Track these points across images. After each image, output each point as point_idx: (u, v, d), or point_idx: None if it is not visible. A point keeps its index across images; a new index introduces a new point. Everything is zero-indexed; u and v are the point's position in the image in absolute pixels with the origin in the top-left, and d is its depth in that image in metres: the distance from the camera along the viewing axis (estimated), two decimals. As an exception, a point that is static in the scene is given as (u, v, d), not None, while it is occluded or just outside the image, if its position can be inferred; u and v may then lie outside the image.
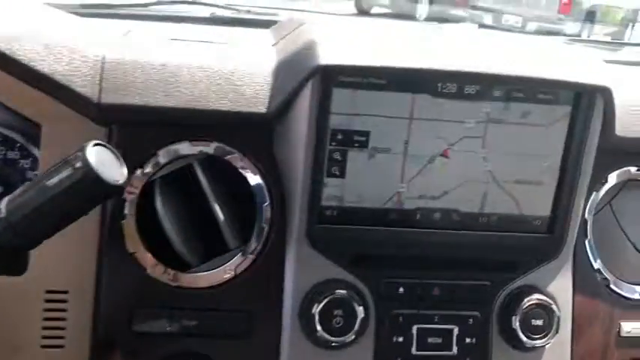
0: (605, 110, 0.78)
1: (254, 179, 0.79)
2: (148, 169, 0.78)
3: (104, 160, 0.61)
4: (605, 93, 0.76)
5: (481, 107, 0.76)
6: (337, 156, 0.76)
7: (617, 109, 0.80)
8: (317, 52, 0.71)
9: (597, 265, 0.87)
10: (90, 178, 0.58)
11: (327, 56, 0.71)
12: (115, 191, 0.64)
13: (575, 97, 0.78)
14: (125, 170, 0.65)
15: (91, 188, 0.60)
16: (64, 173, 0.59)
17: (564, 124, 0.79)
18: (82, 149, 0.59)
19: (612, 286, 0.88)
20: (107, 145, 0.64)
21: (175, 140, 0.78)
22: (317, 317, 0.76)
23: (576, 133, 0.79)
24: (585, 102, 0.77)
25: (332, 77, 0.72)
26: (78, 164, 0.58)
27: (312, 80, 0.71)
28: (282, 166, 0.79)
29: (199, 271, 0.79)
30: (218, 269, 0.79)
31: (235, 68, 0.75)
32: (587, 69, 0.77)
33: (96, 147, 0.61)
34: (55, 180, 0.59)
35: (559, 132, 0.79)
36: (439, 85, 0.75)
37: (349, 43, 0.73)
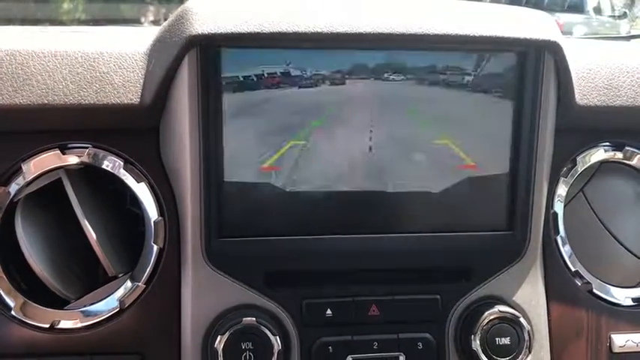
0: (559, 71, 0.65)
1: (140, 190, 0.65)
2: (12, 187, 0.64)
3: None
4: (555, 49, 0.63)
5: (406, 82, 0.63)
6: None
7: (575, 74, 0.67)
8: (190, 21, 0.58)
9: (575, 266, 0.72)
10: None
11: (205, 23, 0.58)
12: None
13: (519, 58, 0.64)
14: None
15: None
16: None
17: (510, 93, 0.65)
18: None
19: (596, 291, 0.72)
20: None
21: (44, 150, 0.64)
22: (220, 354, 0.61)
23: (525, 105, 0.65)
24: (532, 62, 0.64)
25: (215, 50, 0.59)
26: None
27: (189, 56, 0.58)
28: (171, 173, 0.65)
29: (77, 307, 0.64)
30: (100, 303, 0.64)
31: (100, 52, 0.62)
32: (530, 24, 0.64)
33: None
34: None
35: (504, 103, 0.65)
36: (355, 54, 0.62)
37: (234, 8, 0.60)
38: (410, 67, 0.63)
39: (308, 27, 0.58)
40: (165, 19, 0.64)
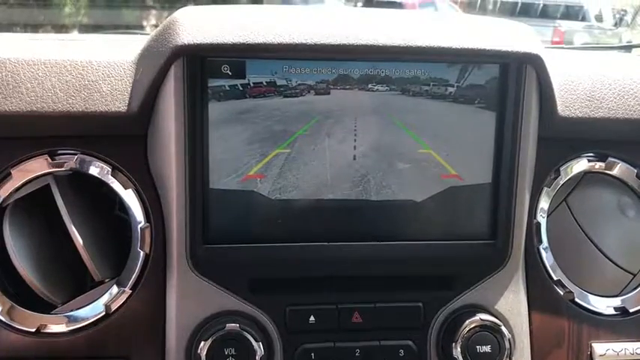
0: (541, 83, 0.66)
1: (127, 196, 0.66)
2: (2, 193, 0.65)
3: None
4: (537, 62, 0.64)
5: (388, 95, 0.64)
6: None
7: (557, 85, 0.68)
8: (177, 31, 0.59)
9: (557, 275, 0.72)
10: None
11: (191, 34, 0.59)
12: None
13: (502, 70, 0.65)
14: None
15: None
16: None
17: (492, 104, 0.66)
18: None
19: (578, 300, 0.73)
20: None
21: (32, 156, 0.66)
22: (204, 359, 0.61)
23: (508, 116, 0.66)
24: (513, 75, 0.65)
25: (201, 61, 0.60)
26: None
27: (175, 66, 0.60)
28: (158, 180, 0.66)
29: (64, 312, 0.65)
30: (86, 307, 0.65)
31: (88, 61, 0.63)
32: (512, 37, 0.65)
33: None
34: None
35: (487, 116, 0.66)
36: (339, 67, 0.63)
37: (222, 18, 0.61)
38: (394, 78, 0.64)
39: (292, 38, 0.59)
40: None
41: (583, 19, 7.33)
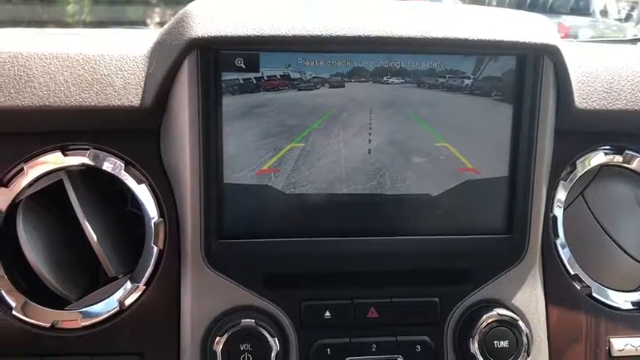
0: (558, 75, 0.65)
1: (140, 192, 0.66)
2: (15, 188, 0.65)
3: None
4: (554, 53, 0.63)
5: (407, 86, 0.63)
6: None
7: (574, 77, 0.67)
8: (190, 24, 0.59)
9: (574, 270, 0.72)
10: None
11: (204, 27, 0.58)
12: None
13: (519, 62, 0.64)
14: None
15: None
16: None
17: (508, 97, 0.65)
18: None
19: (595, 295, 0.72)
20: None
21: (45, 152, 0.65)
22: (219, 356, 0.61)
23: (525, 108, 0.65)
24: (531, 67, 0.64)
25: (215, 54, 0.59)
26: None
27: (189, 59, 0.59)
28: (172, 174, 0.66)
29: (78, 308, 0.65)
30: (100, 303, 0.65)
31: (101, 54, 0.63)
32: (529, 28, 0.64)
33: None
34: None
35: (504, 107, 0.65)
36: (355, 59, 0.62)
37: (236, 11, 0.61)
38: (409, 71, 0.63)
39: (306, 30, 0.59)
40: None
41: (588, 14, 7.30)
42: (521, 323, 0.65)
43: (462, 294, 0.67)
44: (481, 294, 0.67)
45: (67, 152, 0.66)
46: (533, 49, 0.63)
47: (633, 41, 1.53)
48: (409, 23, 0.61)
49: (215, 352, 0.61)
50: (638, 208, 0.76)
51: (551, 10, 6.75)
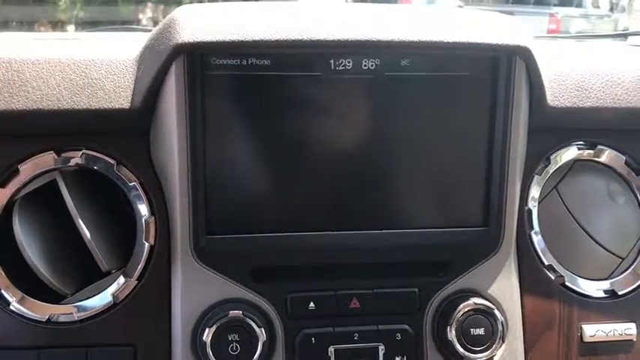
0: (530, 75, 0.68)
1: (132, 190, 0.69)
2: (9, 189, 0.67)
3: None
4: (526, 54, 0.66)
5: (383, 85, 0.66)
6: (222, 154, 0.65)
7: (546, 77, 0.70)
8: (177, 30, 0.61)
9: (548, 260, 0.75)
10: None
11: (190, 33, 0.61)
12: None
13: (493, 63, 0.67)
14: None
15: None
16: None
17: (485, 97, 0.68)
18: None
19: (568, 284, 0.75)
20: None
21: (39, 152, 0.68)
22: (208, 346, 0.64)
23: (499, 107, 0.68)
24: (504, 67, 0.67)
25: (200, 59, 0.62)
26: None
27: (175, 64, 0.62)
28: (161, 173, 0.68)
29: (73, 302, 0.68)
30: (94, 297, 0.68)
31: (91, 59, 0.65)
32: (501, 30, 0.67)
33: None
34: None
35: (479, 106, 0.68)
36: (332, 61, 0.65)
37: (219, 17, 0.63)
38: (387, 70, 0.65)
39: (285, 35, 0.61)
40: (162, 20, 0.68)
41: (579, 5, 7.32)
42: (496, 312, 0.69)
43: (440, 284, 0.70)
44: (458, 284, 0.70)
45: (60, 153, 0.68)
46: (506, 50, 0.66)
47: (623, 35, 1.55)
48: (384, 27, 0.63)
49: (205, 343, 0.64)
50: (610, 201, 0.79)
51: (540, 2, 6.78)
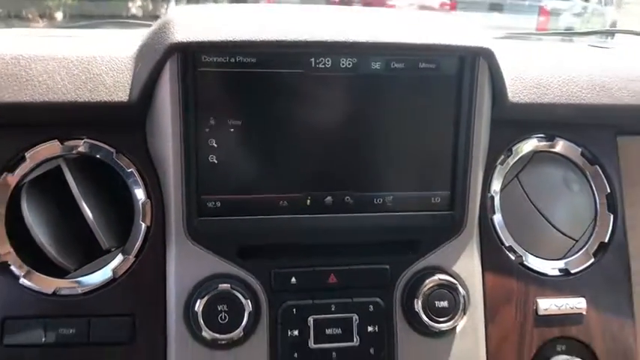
0: (492, 74, 0.75)
1: (130, 176, 0.75)
2: (17, 174, 0.74)
3: None
4: (488, 55, 0.73)
5: (360, 81, 0.73)
6: (212, 142, 0.72)
7: (508, 75, 0.77)
8: (171, 30, 0.68)
9: (508, 242, 0.83)
10: None
11: (183, 33, 0.67)
12: None
13: (459, 63, 0.74)
14: None
15: None
16: None
17: (451, 93, 0.75)
18: None
19: (526, 263, 0.83)
20: None
21: (45, 140, 0.74)
22: (200, 315, 0.71)
23: (464, 102, 0.75)
24: (469, 67, 0.74)
25: (192, 57, 0.69)
26: None
27: (170, 61, 0.68)
28: (157, 160, 0.75)
29: (76, 276, 0.74)
30: (95, 273, 0.75)
31: (93, 56, 0.72)
32: (466, 33, 0.74)
33: None
34: None
35: (447, 102, 0.75)
36: (312, 60, 0.71)
37: (210, 18, 0.70)
38: (361, 67, 0.72)
39: (271, 36, 0.68)
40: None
41: (568, -2, 7.40)
42: (459, 286, 0.76)
43: (408, 262, 0.77)
44: (425, 262, 0.78)
45: (64, 142, 0.75)
46: (470, 52, 0.73)
47: (609, 33, 1.59)
48: (357, 30, 0.70)
49: (197, 312, 0.71)
50: (566, 189, 0.87)
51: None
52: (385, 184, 0.76)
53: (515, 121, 0.83)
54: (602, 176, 0.87)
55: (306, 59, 0.71)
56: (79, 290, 0.74)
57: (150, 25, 0.75)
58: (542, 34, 1.27)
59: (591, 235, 0.86)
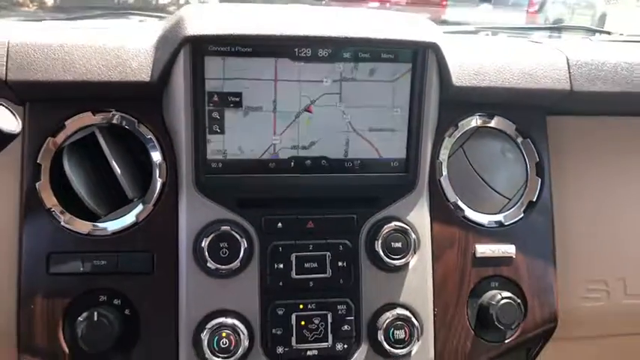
0: (439, 64, 0.94)
1: (149, 142, 0.94)
2: (59, 138, 0.92)
3: (2, 116, 0.75)
4: (435, 48, 0.92)
5: (334, 68, 0.92)
6: (216, 115, 0.91)
7: (452, 64, 0.96)
8: (184, 25, 0.87)
9: (453, 199, 1.02)
10: None
11: (194, 28, 0.86)
12: (11, 139, 0.78)
13: (413, 54, 0.94)
14: (19, 122, 0.79)
15: None
16: None
17: (407, 79, 0.94)
18: None
19: (467, 215, 1.03)
20: (5, 104, 0.78)
21: (80, 112, 0.93)
22: (206, 250, 0.90)
23: (416, 86, 0.94)
24: (421, 57, 0.93)
25: (200, 47, 0.87)
26: None
27: (183, 50, 0.87)
28: (171, 129, 0.94)
29: (106, 221, 0.93)
30: (122, 218, 0.93)
31: (122, 45, 0.90)
32: (419, 30, 0.93)
33: None
34: None
35: (403, 86, 0.94)
36: (296, 50, 0.90)
37: (215, 16, 0.89)
38: (336, 56, 0.90)
39: (262, 31, 0.87)
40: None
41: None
42: (410, 232, 0.95)
43: (371, 212, 0.96)
44: (385, 213, 0.96)
45: (96, 113, 0.93)
46: (421, 45, 0.92)
47: (593, 31, 1.73)
48: (334, 26, 0.89)
49: (203, 248, 0.90)
50: (502, 157, 1.07)
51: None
52: (353, 151, 0.95)
53: (461, 101, 1.02)
54: (533, 147, 1.07)
55: (291, 49, 0.90)
56: (109, 231, 0.92)
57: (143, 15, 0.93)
58: (497, 29, 1.46)
59: (522, 195, 1.06)
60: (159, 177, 0.94)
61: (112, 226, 0.93)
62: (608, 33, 1.60)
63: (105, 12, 1.45)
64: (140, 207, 0.94)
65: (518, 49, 1.09)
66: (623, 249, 1.11)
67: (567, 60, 1.03)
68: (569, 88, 1.02)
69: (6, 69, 0.87)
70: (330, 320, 0.94)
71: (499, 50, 1.05)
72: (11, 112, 0.78)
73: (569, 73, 1.03)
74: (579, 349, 1.14)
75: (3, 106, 0.78)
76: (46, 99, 0.92)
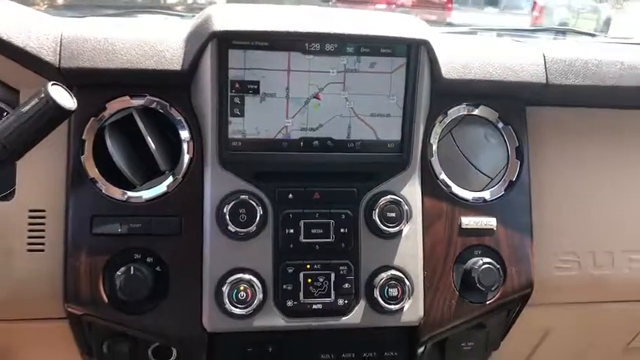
0: (430, 58, 1.09)
1: (179, 122, 1.09)
2: (101, 118, 1.07)
3: (60, 94, 0.89)
4: (427, 45, 1.07)
5: (339, 60, 1.06)
6: (237, 100, 1.05)
7: (442, 59, 1.10)
8: (212, 22, 1.01)
9: (441, 177, 1.16)
10: (50, 104, 0.87)
11: (220, 25, 1.01)
12: (68, 114, 0.92)
13: (408, 49, 1.08)
14: (74, 100, 0.93)
15: (51, 111, 0.88)
16: (33, 102, 0.88)
17: (402, 71, 1.09)
18: (45, 86, 0.89)
19: (454, 192, 1.17)
20: (62, 84, 0.93)
21: (120, 96, 1.08)
22: (227, 215, 1.05)
23: (410, 77, 1.08)
24: (414, 52, 1.08)
25: (225, 41, 1.02)
26: (42, 95, 0.87)
27: (210, 44, 1.02)
28: (198, 112, 1.08)
29: (141, 190, 1.08)
30: (155, 187, 1.08)
31: (157, 38, 1.05)
32: (413, 29, 1.08)
33: (54, 86, 0.90)
34: (27, 107, 0.88)
35: (399, 77, 1.09)
36: (307, 44, 1.05)
37: (238, 15, 1.04)
38: (345, 50, 1.05)
39: (277, 28, 1.01)
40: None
41: (561, -7, 7.68)
42: (403, 204, 1.09)
43: (370, 187, 1.10)
44: (381, 187, 1.10)
45: (133, 97, 1.08)
46: (415, 42, 1.06)
47: (591, 34, 1.85)
48: (337, 25, 1.03)
49: (225, 213, 1.04)
50: (486, 141, 1.21)
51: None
52: (355, 133, 1.10)
53: (450, 92, 1.16)
54: (513, 133, 1.21)
55: (303, 44, 1.04)
56: (143, 199, 1.07)
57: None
58: (490, 30, 1.60)
59: (504, 175, 1.20)
60: (187, 153, 1.08)
61: (146, 194, 1.07)
62: (592, 35, 1.74)
63: (132, 10, 1.61)
64: (170, 178, 1.08)
65: (501, 46, 1.24)
66: (593, 225, 1.25)
67: (544, 56, 1.18)
68: (545, 81, 1.17)
69: (60, 58, 1.02)
70: (332, 279, 1.09)
71: (484, 47, 1.20)
72: (68, 92, 0.92)
73: (546, 68, 1.17)
74: (555, 314, 1.28)
75: (62, 87, 0.92)
76: (91, 84, 1.07)
